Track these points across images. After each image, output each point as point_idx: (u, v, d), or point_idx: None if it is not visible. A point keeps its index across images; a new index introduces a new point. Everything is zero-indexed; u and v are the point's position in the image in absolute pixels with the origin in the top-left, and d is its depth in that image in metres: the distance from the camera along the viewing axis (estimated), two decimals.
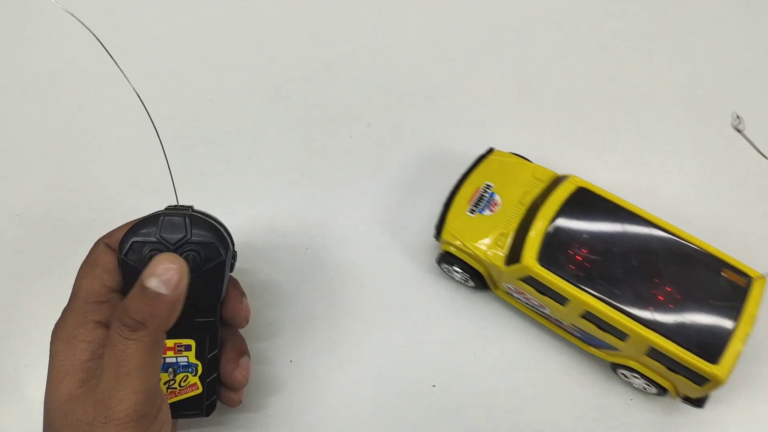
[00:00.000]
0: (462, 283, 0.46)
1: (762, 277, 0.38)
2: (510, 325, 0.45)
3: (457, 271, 0.44)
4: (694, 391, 0.38)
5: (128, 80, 0.34)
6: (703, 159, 0.52)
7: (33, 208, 0.50)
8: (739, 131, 0.31)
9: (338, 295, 0.46)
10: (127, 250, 0.35)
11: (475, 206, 0.43)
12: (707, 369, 0.35)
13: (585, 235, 0.38)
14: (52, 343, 0.34)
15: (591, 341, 0.40)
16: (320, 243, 0.48)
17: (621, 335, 0.37)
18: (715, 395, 0.40)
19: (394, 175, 0.51)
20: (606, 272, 0.37)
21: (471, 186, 0.43)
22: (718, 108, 0.54)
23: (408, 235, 0.48)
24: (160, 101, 0.54)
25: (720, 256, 0.38)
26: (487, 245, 0.41)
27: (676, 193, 0.50)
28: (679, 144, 0.53)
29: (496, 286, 0.43)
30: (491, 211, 0.42)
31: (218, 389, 0.39)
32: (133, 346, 0.31)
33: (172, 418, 0.36)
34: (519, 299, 0.42)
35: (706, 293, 0.37)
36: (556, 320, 0.41)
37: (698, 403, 0.39)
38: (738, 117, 0.31)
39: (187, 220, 0.35)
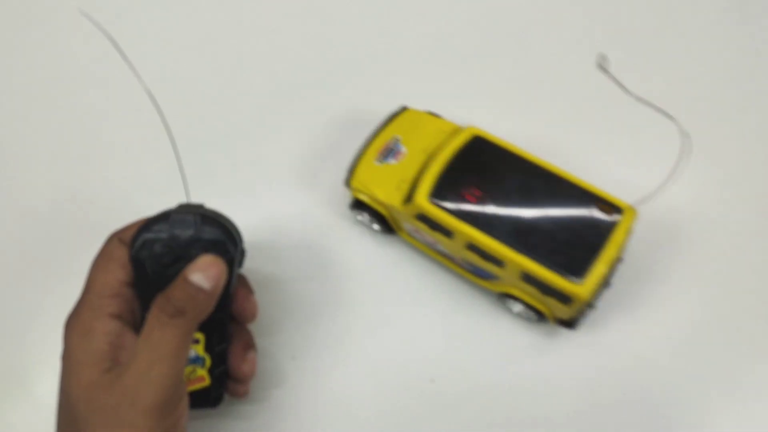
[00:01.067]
0: (370, 228, 0.49)
1: (630, 207, 0.41)
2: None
3: (365, 216, 0.48)
4: (564, 311, 0.41)
5: (141, 81, 0.34)
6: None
7: (43, 208, 0.51)
8: (604, 70, 0.33)
9: (340, 294, 0.47)
10: (139, 247, 0.35)
11: (382, 156, 0.46)
12: (571, 288, 0.39)
13: (474, 176, 0.43)
14: (67, 336, 0.34)
15: (479, 273, 0.44)
16: (322, 242, 0.49)
17: (498, 263, 0.41)
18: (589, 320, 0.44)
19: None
20: (489, 207, 0.42)
21: (381, 139, 0.47)
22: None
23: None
24: (166, 103, 0.55)
25: (593, 190, 0.42)
26: (389, 189, 0.45)
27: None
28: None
29: (400, 228, 0.47)
30: (396, 160, 0.46)
31: (225, 382, 0.40)
32: (170, 332, 0.32)
33: None
34: (417, 238, 0.46)
35: (578, 224, 0.41)
36: (449, 255, 0.45)
37: (571, 325, 0.43)
38: (604, 56, 0.32)
39: (197, 218, 0.36)
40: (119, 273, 0.36)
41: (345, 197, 0.50)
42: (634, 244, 0.45)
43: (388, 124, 0.48)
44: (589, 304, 0.41)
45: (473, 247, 0.42)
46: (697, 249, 0.49)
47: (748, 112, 0.54)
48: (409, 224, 0.45)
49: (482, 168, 0.43)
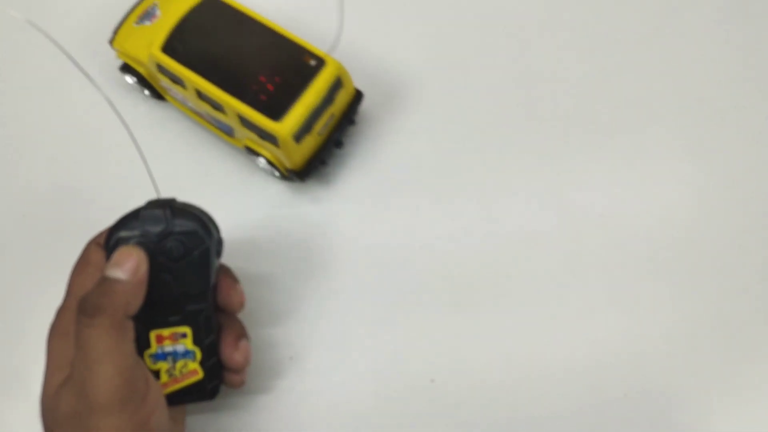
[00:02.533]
0: (141, 93, 0.53)
1: (333, 60, 0.45)
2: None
3: (133, 80, 0.52)
4: (284, 157, 0.46)
5: (96, 85, 0.35)
6: None
7: (40, 209, 0.51)
8: None
9: (340, 292, 0.47)
10: (113, 247, 0.36)
11: (140, 20, 0.51)
12: (273, 126, 0.43)
13: (202, 31, 0.47)
14: (47, 340, 0.35)
15: (221, 127, 0.48)
16: (321, 242, 0.49)
17: (220, 107, 0.45)
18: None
19: None
20: (212, 57, 0.46)
21: (143, 6, 0.52)
22: None
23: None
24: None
25: (304, 44, 0.46)
26: (140, 48, 0.49)
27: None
28: None
29: (165, 92, 0.51)
30: (151, 22, 0.50)
31: (220, 373, 0.40)
32: (95, 332, 0.32)
33: (177, 404, 0.38)
34: (174, 97, 0.50)
35: (285, 73, 0.45)
36: (197, 111, 0.49)
37: (301, 175, 0.47)
38: None
39: (167, 211, 0.36)
40: (98, 275, 0.35)
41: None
42: (369, 108, 0.51)
43: None
44: (318, 159, 0.47)
45: (202, 95, 0.45)
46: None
47: (735, 128, 0.53)
48: (163, 82, 0.48)
49: (211, 24, 0.47)
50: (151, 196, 0.38)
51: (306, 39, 0.46)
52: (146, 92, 0.52)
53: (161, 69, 0.47)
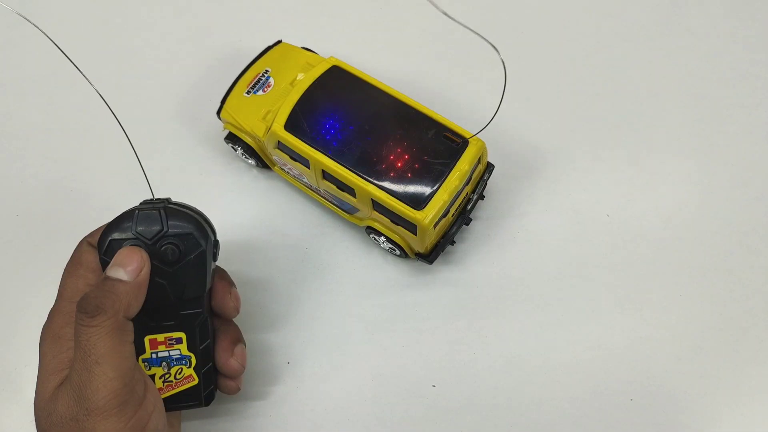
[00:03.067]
0: (245, 161, 0.50)
1: (475, 137, 0.42)
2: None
3: (239, 150, 0.49)
4: (416, 242, 0.43)
5: (90, 82, 0.34)
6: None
7: (34, 208, 0.50)
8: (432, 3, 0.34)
9: (338, 295, 0.46)
10: (106, 248, 0.35)
11: (252, 88, 0.48)
12: (413, 215, 0.40)
13: (330, 105, 0.43)
14: (40, 344, 0.34)
15: (342, 206, 0.45)
16: (320, 243, 0.48)
17: (351, 191, 0.42)
18: (448, 258, 0.47)
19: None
20: (342, 136, 0.42)
21: (253, 72, 0.49)
22: None
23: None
24: (161, 100, 0.54)
25: (443, 121, 0.43)
26: (254, 120, 0.46)
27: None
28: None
29: (273, 164, 0.48)
30: (264, 91, 0.47)
31: (215, 379, 0.39)
32: (96, 333, 0.31)
33: (172, 410, 0.37)
34: (288, 172, 0.48)
35: (426, 153, 0.41)
36: (315, 188, 0.46)
37: (428, 258, 0.44)
38: None
39: (162, 212, 0.35)
40: (90, 278, 0.35)
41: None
42: (497, 181, 0.48)
43: (261, 58, 0.49)
44: (448, 240, 0.44)
45: (328, 176, 0.43)
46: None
47: (741, 125, 0.53)
48: (277, 156, 0.46)
49: (338, 97, 0.44)
50: (146, 195, 0.37)
51: (439, 112, 0.44)
52: (251, 161, 0.50)
53: (282, 146, 0.44)
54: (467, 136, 0.42)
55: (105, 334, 0.31)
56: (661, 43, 0.56)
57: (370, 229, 0.45)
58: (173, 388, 0.37)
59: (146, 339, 0.36)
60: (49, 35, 0.35)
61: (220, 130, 0.51)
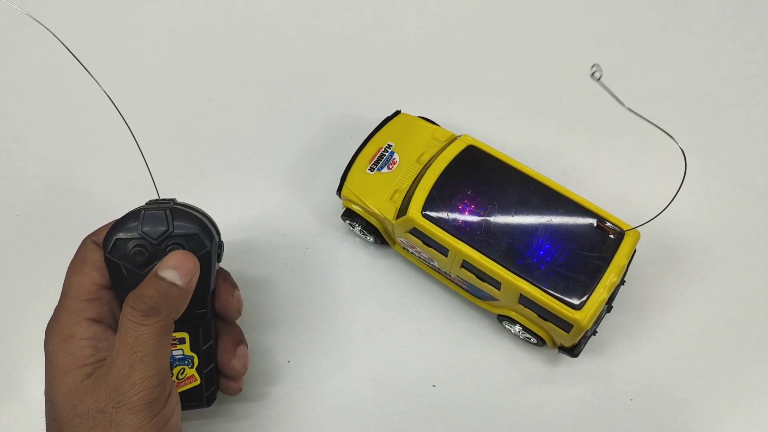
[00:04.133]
0: (363, 239, 0.48)
1: (633, 230, 0.40)
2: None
3: (357, 227, 0.46)
4: (565, 338, 0.40)
5: (97, 81, 0.34)
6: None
7: (34, 208, 0.50)
8: (598, 81, 0.32)
9: (338, 295, 0.46)
10: (111, 248, 0.35)
11: (375, 164, 0.44)
12: (570, 315, 0.37)
13: (469, 190, 0.41)
14: (47, 342, 0.34)
15: (476, 293, 0.43)
16: (320, 243, 0.48)
17: (495, 283, 0.40)
18: (590, 347, 0.43)
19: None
20: (485, 224, 0.40)
21: (374, 146, 0.45)
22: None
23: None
24: (161, 101, 0.54)
25: (595, 210, 0.40)
26: (381, 200, 0.43)
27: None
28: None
29: (394, 242, 0.46)
30: (389, 169, 0.44)
31: (217, 380, 0.39)
32: (146, 332, 0.32)
33: None
34: (413, 253, 0.45)
35: (578, 245, 0.39)
36: (445, 272, 0.44)
37: (572, 352, 0.41)
38: (598, 66, 0.32)
39: (168, 213, 0.35)
40: (95, 276, 0.35)
41: (338, 204, 0.48)
42: (636, 265, 0.43)
43: (381, 130, 0.46)
44: (592, 330, 0.40)
45: (469, 266, 0.40)
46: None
47: (742, 126, 0.53)
48: (404, 238, 0.43)
49: (478, 181, 0.41)
50: (147, 195, 0.37)
51: (581, 194, 0.42)
52: (369, 238, 0.47)
53: (416, 233, 0.41)
54: (625, 228, 0.40)
55: (154, 334, 0.32)
56: (661, 44, 0.56)
57: (503, 317, 0.43)
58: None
59: None
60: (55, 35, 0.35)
61: (331, 204, 0.49)
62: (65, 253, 0.37)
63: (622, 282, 0.42)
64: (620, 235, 0.39)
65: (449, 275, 0.43)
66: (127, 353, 0.32)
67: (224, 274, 0.40)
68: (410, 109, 0.50)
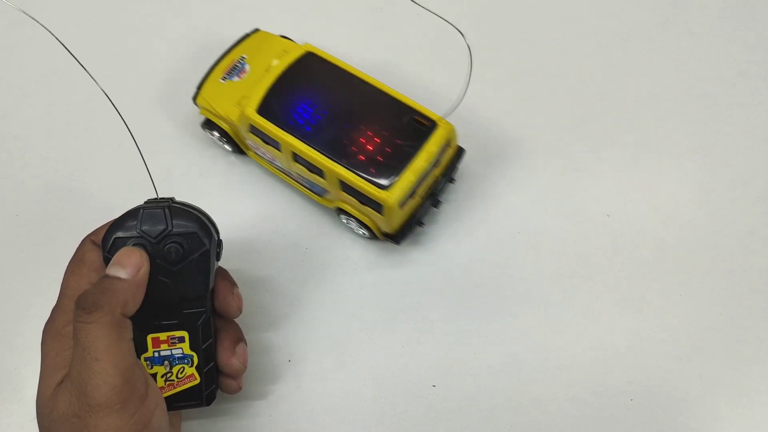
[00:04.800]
0: (222, 147, 0.51)
1: (444, 121, 0.44)
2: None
3: (215, 135, 0.50)
4: (383, 222, 0.44)
5: (95, 80, 0.34)
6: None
7: (33, 208, 0.50)
8: None
9: (338, 295, 0.46)
10: (110, 247, 0.35)
11: (227, 74, 0.48)
12: (378, 194, 0.41)
13: (302, 90, 0.44)
14: (42, 342, 0.34)
15: (313, 188, 0.47)
16: (320, 243, 0.48)
17: (319, 172, 0.44)
18: (419, 239, 0.48)
19: None
20: (313, 119, 0.43)
21: (229, 59, 0.49)
22: None
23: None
24: (160, 100, 0.54)
25: (413, 105, 0.44)
26: (230, 106, 0.47)
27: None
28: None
29: (248, 147, 0.49)
30: (240, 77, 0.48)
31: (217, 378, 0.39)
32: (93, 329, 0.31)
33: (173, 409, 0.37)
34: (261, 156, 0.48)
35: (394, 135, 0.43)
36: (287, 171, 0.47)
37: (396, 239, 0.46)
38: None
39: (167, 211, 0.35)
40: (93, 276, 0.35)
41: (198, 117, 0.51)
42: (469, 166, 0.49)
43: (238, 45, 0.49)
44: (416, 221, 0.45)
45: (298, 158, 0.44)
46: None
47: (742, 126, 0.54)
48: (251, 141, 0.46)
49: (311, 82, 0.45)
50: (147, 195, 0.37)
51: (408, 96, 0.45)
52: (228, 147, 0.50)
53: (254, 130, 0.45)
54: (434, 118, 0.43)
55: (102, 330, 0.31)
56: (661, 44, 0.56)
57: (340, 211, 0.47)
58: (175, 387, 0.37)
59: (149, 337, 0.36)
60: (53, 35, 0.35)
61: (197, 116, 0.50)
62: (65, 253, 0.37)
63: (452, 180, 0.47)
64: (432, 125, 0.43)
65: (291, 173, 0.47)
66: (80, 355, 0.31)
67: (223, 273, 0.40)
68: (274, 30, 0.52)
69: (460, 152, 0.47)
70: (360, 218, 0.45)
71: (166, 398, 0.37)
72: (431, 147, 0.42)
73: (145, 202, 0.37)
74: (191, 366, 0.38)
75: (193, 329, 0.37)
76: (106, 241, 0.35)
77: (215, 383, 0.39)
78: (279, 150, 0.45)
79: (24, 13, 0.33)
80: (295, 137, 0.43)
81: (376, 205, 0.42)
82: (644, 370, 0.44)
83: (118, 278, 0.33)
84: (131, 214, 0.36)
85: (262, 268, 0.48)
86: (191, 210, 0.37)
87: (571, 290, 0.46)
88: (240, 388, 0.40)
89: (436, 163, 0.44)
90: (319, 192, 0.47)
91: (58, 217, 0.50)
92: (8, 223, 0.50)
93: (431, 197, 0.46)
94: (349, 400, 0.43)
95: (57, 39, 0.34)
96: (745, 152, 0.52)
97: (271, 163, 0.48)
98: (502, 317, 0.46)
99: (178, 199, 0.38)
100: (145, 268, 0.34)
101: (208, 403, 0.39)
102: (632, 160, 0.51)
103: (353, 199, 0.43)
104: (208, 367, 0.38)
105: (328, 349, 0.45)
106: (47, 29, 0.34)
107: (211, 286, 0.37)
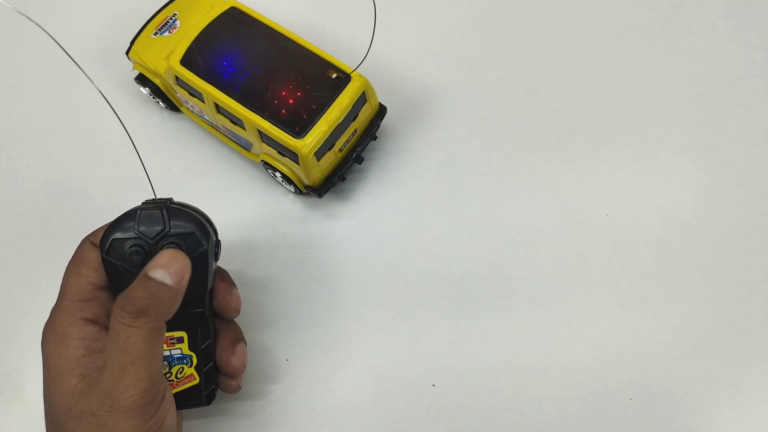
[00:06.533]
0: (156, 104, 0.53)
1: (358, 74, 0.45)
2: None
3: (147, 90, 0.51)
4: (303, 173, 0.46)
5: (92, 80, 0.34)
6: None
7: (34, 208, 0.50)
8: None
9: (338, 295, 0.46)
10: (108, 248, 0.35)
11: (159, 30, 0.50)
12: (292, 143, 0.43)
13: (225, 43, 0.46)
14: (43, 343, 0.34)
15: (239, 141, 0.48)
16: (320, 243, 0.48)
17: (240, 123, 0.45)
18: (345, 195, 0.50)
19: None
20: (235, 71, 0.45)
21: (162, 16, 0.50)
22: None
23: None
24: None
25: (328, 58, 0.46)
26: (159, 59, 0.48)
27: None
28: None
29: (180, 103, 0.51)
30: (170, 33, 0.49)
31: (216, 378, 0.39)
32: (136, 333, 0.31)
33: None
34: (190, 110, 0.50)
35: (311, 87, 0.44)
36: (214, 124, 0.49)
37: (317, 191, 0.47)
38: None
39: (164, 212, 0.35)
40: (92, 276, 0.35)
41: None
42: (393, 124, 0.51)
43: (171, 3, 0.51)
44: (338, 175, 0.47)
45: (221, 109, 0.46)
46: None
47: (742, 126, 0.53)
48: (180, 94, 0.48)
49: (233, 36, 0.46)
50: (147, 195, 0.37)
51: (332, 53, 0.46)
52: (161, 103, 0.52)
53: (179, 82, 0.46)
54: (348, 71, 0.45)
55: (145, 335, 0.32)
56: (661, 44, 0.56)
57: (266, 165, 0.48)
58: (174, 388, 0.37)
59: None
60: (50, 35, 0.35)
61: (130, 71, 0.52)
62: (65, 253, 0.37)
63: (374, 137, 0.50)
64: (347, 78, 0.44)
65: (218, 126, 0.49)
66: (117, 356, 0.31)
67: (222, 273, 0.40)
68: None
69: (382, 111, 0.49)
70: (282, 170, 0.47)
71: None
72: (344, 99, 0.44)
73: (143, 203, 0.37)
74: (190, 366, 0.38)
75: (192, 329, 0.37)
76: (104, 242, 0.35)
77: (215, 383, 0.39)
78: (203, 102, 0.46)
79: (21, 14, 0.33)
80: (216, 88, 0.44)
81: (293, 155, 0.44)
82: (644, 369, 0.44)
83: (165, 285, 0.33)
84: (129, 215, 0.36)
85: (262, 269, 0.48)
86: (189, 211, 0.37)
87: (571, 290, 0.46)
88: (240, 388, 0.40)
89: (353, 117, 0.45)
90: (245, 145, 0.49)
91: (59, 217, 0.50)
92: (8, 223, 0.50)
93: (354, 153, 0.48)
94: (349, 400, 0.43)
95: (54, 39, 0.34)
96: (745, 152, 0.52)
97: (200, 117, 0.50)
98: (501, 317, 0.46)
99: (176, 199, 0.38)
100: (188, 275, 0.34)
101: (208, 403, 0.39)
102: (632, 160, 0.51)
103: (274, 150, 0.45)
104: (207, 367, 0.38)
105: (328, 349, 0.45)
106: (44, 30, 0.34)
107: (209, 286, 0.37)
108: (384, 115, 0.49)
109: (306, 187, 0.47)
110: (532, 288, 0.47)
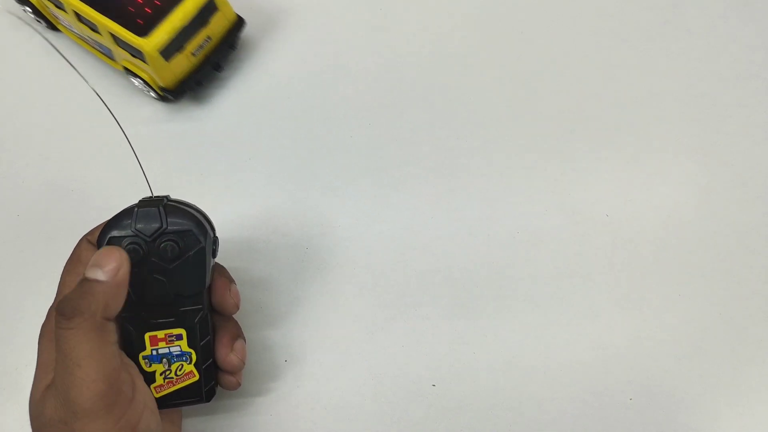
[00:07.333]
0: (39, 25, 0.55)
1: None
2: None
3: (29, 12, 0.53)
4: (156, 74, 0.48)
5: (86, 80, 0.34)
6: None
7: (34, 208, 0.50)
8: None
9: (338, 295, 0.46)
10: (105, 246, 0.35)
11: None
12: (137, 41, 0.46)
13: None
14: (38, 342, 0.34)
15: (103, 50, 0.51)
16: (320, 243, 0.48)
17: (95, 27, 0.47)
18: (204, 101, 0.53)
19: None
20: None
21: None
22: None
23: None
24: (161, 101, 0.54)
25: None
26: None
27: None
28: None
29: (57, 21, 0.53)
30: None
31: (216, 375, 0.39)
32: (74, 335, 0.31)
33: (173, 407, 0.37)
34: (67, 27, 0.52)
35: None
36: (83, 37, 0.51)
37: (173, 94, 0.50)
38: None
39: (161, 209, 0.35)
40: None
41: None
42: (253, 37, 0.55)
43: None
44: (194, 80, 0.50)
45: (81, 18, 0.48)
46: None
47: (742, 126, 0.53)
48: (51, 9, 0.49)
49: None
50: (145, 194, 0.37)
51: None
52: (42, 23, 0.55)
53: None
54: None
55: (83, 336, 0.31)
56: (661, 44, 0.56)
57: (127, 71, 0.50)
58: (174, 385, 0.37)
59: (146, 336, 0.36)
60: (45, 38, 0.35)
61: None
62: (65, 252, 0.37)
63: (232, 47, 0.53)
64: None
65: (83, 36, 0.51)
66: (62, 361, 0.31)
67: (220, 269, 0.40)
68: None
69: (241, 21, 0.52)
70: (138, 73, 0.49)
71: (166, 396, 0.37)
72: (189, 4, 0.47)
73: (140, 201, 0.37)
74: (190, 363, 0.38)
75: (191, 326, 0.37)
76: (101, 240, 0.35)
77: (214, 380, 0.39)
78: (66, 12, 0.48)
79: (18, 17, 0.33)
80: None
81: (140, 54, 0.46)
82: (644, 369, 0.44)
83: (97, 281, 0.32)
84: (126, 213, 0.36)
85: (262, 268, 0.48)
86: (186, 208, 0.37)
87: (571, 290, 0.46)
88: (239, 385, 0.40)
89: (202, 23, 0.48)
90: (107, 53, 0.51)
91: (59, 217, 0.50)
92: (8, 223, 0.50)
93: (211, 60, 0.51)
94: (349, 400, 0.43)
95: (49, 42, 0.34)
96: (745, 152, 0.52)
97: (72, 31, 0.52)
98: (501, 317, 0.46)
99: (173, 196, 0.38)
100: (125, 267, 0.33)
101: (208, 400, 0.39)
102: (632, 160, 0.51)
103: (127, 54, 0.47)
104: (207, 363, 0.38)
105: (328, 349, 0.45)
106: (41, 34, 0.34)
107: (207, 283, 0.38)
108: (242, 27, 0.52)
109: (162, 89, 0.50)
110: (532, 288, 0.47)
